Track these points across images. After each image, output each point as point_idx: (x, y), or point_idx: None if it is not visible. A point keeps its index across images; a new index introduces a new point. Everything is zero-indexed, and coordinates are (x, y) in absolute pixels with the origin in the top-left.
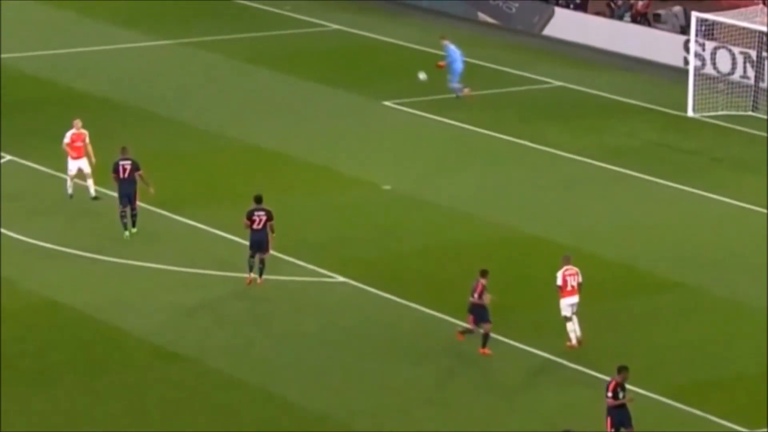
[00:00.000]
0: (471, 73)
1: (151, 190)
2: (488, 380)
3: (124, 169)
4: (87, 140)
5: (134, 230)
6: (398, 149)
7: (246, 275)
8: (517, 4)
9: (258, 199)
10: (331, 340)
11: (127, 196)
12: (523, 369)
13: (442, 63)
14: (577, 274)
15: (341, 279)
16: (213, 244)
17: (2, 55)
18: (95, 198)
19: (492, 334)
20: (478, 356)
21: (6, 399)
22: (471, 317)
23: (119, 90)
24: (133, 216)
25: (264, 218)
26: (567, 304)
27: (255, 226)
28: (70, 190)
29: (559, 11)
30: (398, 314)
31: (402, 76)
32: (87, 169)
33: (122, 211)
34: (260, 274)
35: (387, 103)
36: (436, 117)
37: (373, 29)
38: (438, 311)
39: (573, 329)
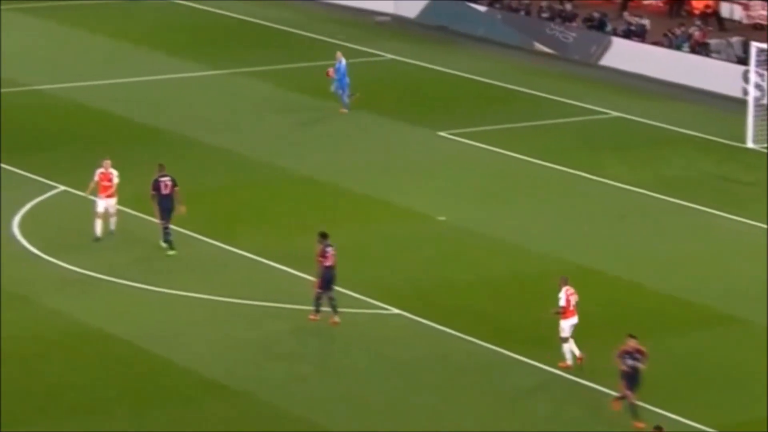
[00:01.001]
0: (527, 103)
1: (182, 208)
2: (545, 414)
3: (165, 186)
4: (115, 180)
5: (174, 252)
6: (453, 180)
7: (312, 315)
8: (574, 34)
9: (324, 235)
10: (383, 373)
11: (168, 211)
12: (581, 404)
13: (332, 71)
14: (575, 294)
15: (395, 311)
16: (266, 275)
17: (58, 85)
18: (99, 239)
19: (545, 367)
20: (533, 391)
21: None
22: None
23: (171, 119)
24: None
25: (335, 254)
26: (569, 325)
27: (327, 263)
28: (97, 232)
29: (616, 41)
30: (451, 346)
31: (456, 106)
32: (113, 209)
33: (166, 227)
34: (335, 311)
35: (442, 133)
36: (491, 147)
37: (427, 59)
38: (491, 344)
39: (570, 349)
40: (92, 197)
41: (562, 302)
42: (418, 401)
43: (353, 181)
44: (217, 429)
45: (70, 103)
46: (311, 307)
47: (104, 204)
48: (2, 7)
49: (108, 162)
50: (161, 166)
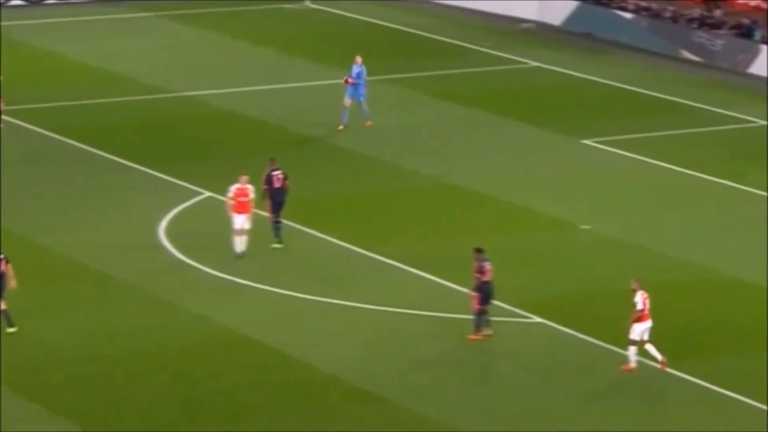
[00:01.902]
0: (672, 112)
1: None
2: (690, 425)
3: (278, 179)
4: (252, 195)
5: (281, 245)
6: (597, 188)
7: (474, 334)
8: (721, 42)
9: (480, 250)
10: (524, 382)
11: (280, 205)
12: (729, 417)
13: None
14: (648, 297)
15: (537, 319)
16: (409, 282)
17: (205, 92)
18: (239, 256)
19: (692, 379)
20: (680, 400)
21: None
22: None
23: (316, 126)
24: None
25: (491, 269)
26: (643, 329)
27: (485, 278)
28: (237, 249)
29: (765, 49)
30: (594, 356)
31: (601, 114)
32: (248, 225)
33: (276, 221)
34: (488, 325)
35: (586, 141)
36: (636, 156)
37: (572, 66)
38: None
39: (635, 352)
40: (229, 214)
41: (639, 306)
42: (559, 410)
43: (497, 189)
44: None
45: (217, 109)
46: (472, 326)
47: (241, 220)
48: (152, 13)
49: (245, 177)
50: (273, 160)
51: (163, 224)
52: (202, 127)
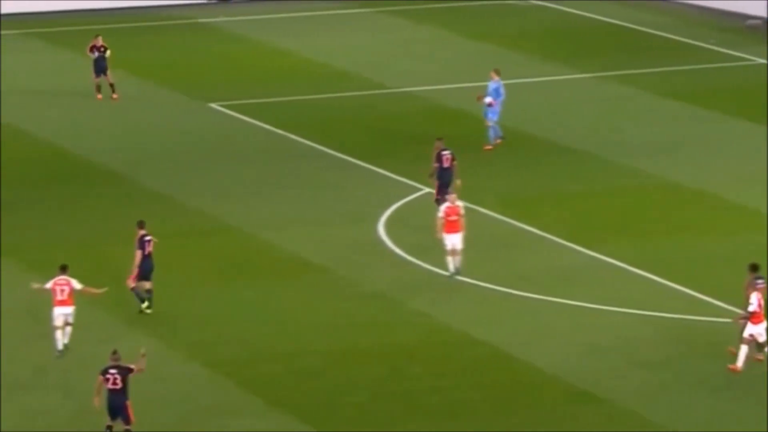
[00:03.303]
0: None
1: (458, 182)
2: None
3: (447, 159)
4: (462, 212)
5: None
6: None
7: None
8: None
9: (755, 268)
10: (744, 388)
11: (446, 184)
12: None
13: (486, 98)
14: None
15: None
16: (630, 282)
17: (424, 88)
18: (453, 275)
19: None
20: None
21: None
22: None
23: (532, 123)
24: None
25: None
26: (759, 331)
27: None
28: (451, 268)
29: None
30: None
31: None
32: (460, 246)
33: (441, 198)
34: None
35: None
36: None
37: None
38: None
39: (744, 353)
40: (439, 235)
41: (753, 307)
42: None
43: (722, 188)
44: None
45: (437, 105)
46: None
47: (452, 240)
48: (370, 9)
49: (453, 196)
50: (440, 140)
51: (383, 220)
52: (421, 123)
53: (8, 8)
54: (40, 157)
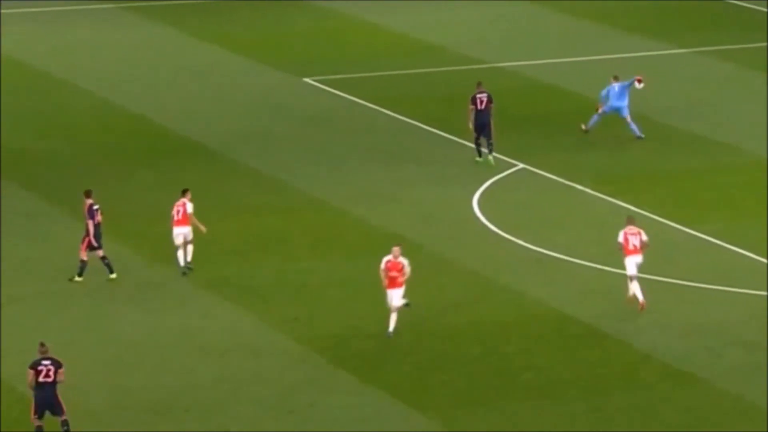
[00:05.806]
0: None
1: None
2: None
3: (481, 101)
4: (406, 270)
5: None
6: None
7: None
8: None
9: None
10: None
11: (483, 126)
12: None
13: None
14: (639, 233)
15: None
16: (726, 259)
17: (520, 63)
18: (390, 335)
19: None
20: None
21: (506, 412)
22: None
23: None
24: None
25: None
26: (631, 263)
27: None
28: (390, 328)
29: None
30: None
31: None
32: (397, 302)
33: (478, 140)
34: None
35: None
36: None
37: None
38: None
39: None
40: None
41: (620, 239)
42: None
43: None
44: (674, 419)
45: (533, 81)
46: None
47: (390, 295)
48: None
49: (397, 250)
50: (480, 84)
51: (477, 196)
52: (517, 99)
53: None
54: (138, 132)
